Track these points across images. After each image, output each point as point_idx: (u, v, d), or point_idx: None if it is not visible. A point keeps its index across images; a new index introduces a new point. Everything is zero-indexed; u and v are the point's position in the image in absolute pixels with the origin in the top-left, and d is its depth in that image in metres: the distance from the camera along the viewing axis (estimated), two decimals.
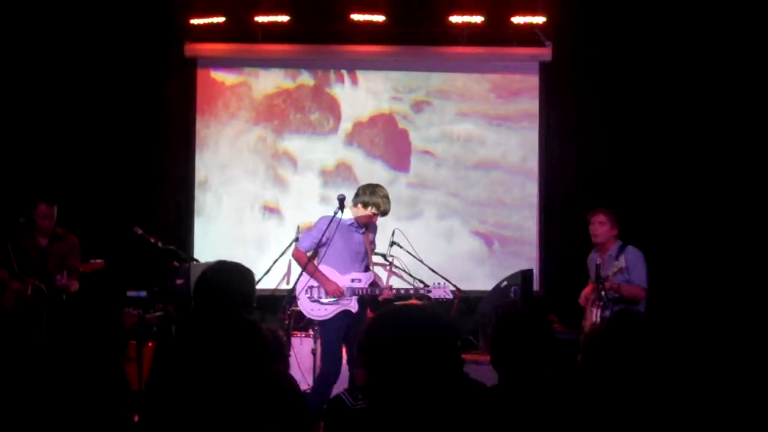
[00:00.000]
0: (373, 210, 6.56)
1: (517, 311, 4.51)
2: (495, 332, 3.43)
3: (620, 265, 6.58)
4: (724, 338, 7.57)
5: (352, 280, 6.65)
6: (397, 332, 2.39)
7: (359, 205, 6.60)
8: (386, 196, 6.61)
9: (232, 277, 3.68)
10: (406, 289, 6.90)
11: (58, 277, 7.26)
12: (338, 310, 6.57)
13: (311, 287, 6.60)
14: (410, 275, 7.25)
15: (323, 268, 6.60)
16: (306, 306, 6.63)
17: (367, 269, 6.79)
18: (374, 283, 6.72)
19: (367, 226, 6.69)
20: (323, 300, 6.60)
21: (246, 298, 3.66)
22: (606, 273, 6.60)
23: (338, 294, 6.56)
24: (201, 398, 2.25)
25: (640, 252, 6.84)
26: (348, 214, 6.61)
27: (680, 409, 2.83)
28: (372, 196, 6.58)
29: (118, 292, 7.98)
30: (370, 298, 6.68)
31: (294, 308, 7.00)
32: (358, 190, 6.70)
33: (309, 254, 6.66)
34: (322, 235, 6.56)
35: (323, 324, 6.62)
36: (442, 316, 2.51)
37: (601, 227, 6.94)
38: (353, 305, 6.60)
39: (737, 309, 8.06)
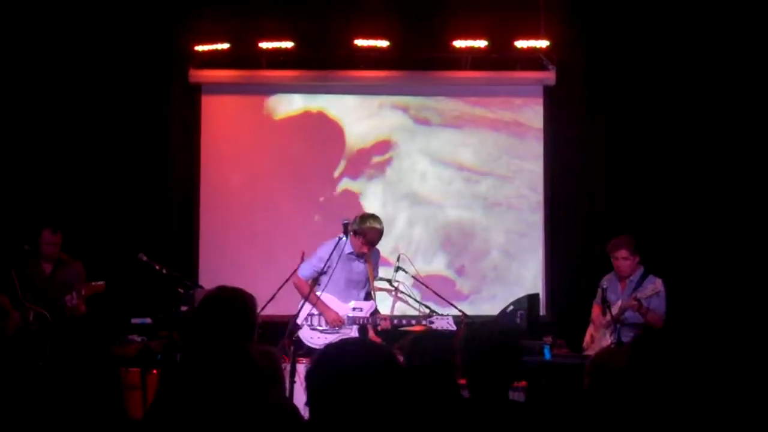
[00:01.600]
0: (361, 239, 6.51)
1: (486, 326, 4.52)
2: (462, 342, 3.44)
3: (657, 288, 6.54)
4: (734, 355, 7.51)
5: (354, 309, 6.62)
6: (337, 371, 2.35)
7: (351, 234, 6.56)
8: (374, 227, 6.50)
9: (232, 303, 3.65)
10: (408, 318, 6.77)
11: (68, 298, 7.24)
12: (338, 339, 6.49)
13: (311, 315, 6.55)
14: (416, 300, 7.19)
15: (324, 296, 6.56)
16: (305, 334, 6.57)
17: (368, 297, 6.75)
18: (375, 312, 6.66)
19: (364, 254, 6.64)
20: (322, 328, 6.56)
21: (247, 324, 3.63)
22: (640, 295, 6.57)
23: (339, 323, 6.55)
24: (198, 424, 2.24)
25: (661, 281, 6.81)
26: (348, 249, 6.59)
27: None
28: (360, 224, 6.51)
29: (121, 320, 7.97)
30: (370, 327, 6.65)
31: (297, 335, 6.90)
32: (354, 219, 6.63)
33: (309, 282, 6.62)
34: (324, 264, 6.53)
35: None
36: (386, 352, 2.47)
37: (624, 262, 6.89)
38: (353, 335, 6.55)
39: (749, 330, 8.01)
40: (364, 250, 6.57)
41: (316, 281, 6.58)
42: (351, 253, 6.59)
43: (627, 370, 2.90)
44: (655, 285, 6.61)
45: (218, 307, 3.61)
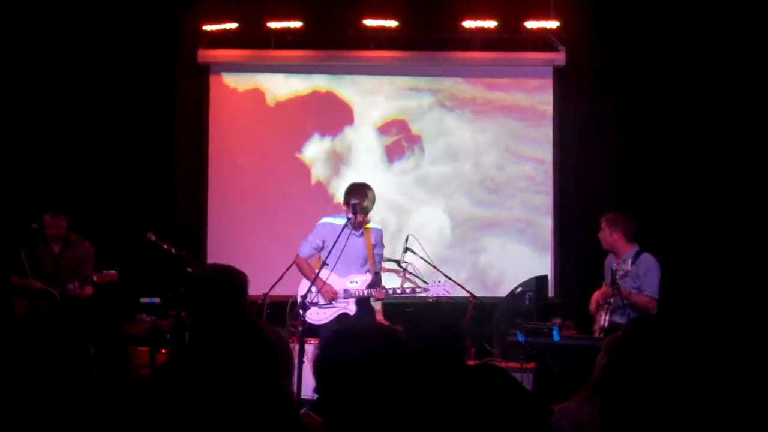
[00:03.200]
0: (350, 209, 6.49)
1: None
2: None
3: (626, 268, 6.52)
4: (742, 344, 7.50)
5: (350, 282, 6.62)
6: (348, 353, 2.34)
7: (344, 206, 6.60)
8: (353, 190, 6.55)
9: (219, 281, 3.64)
10: (402, 289, 6.85)
11: (69, 287, 7.28)
12: (336, 314, 6.59)
13: (310, 292, 6.51)
14: (424, 281, 7.18)
15: (324, 272, 6.52)
16: (305, 313, 6.50)
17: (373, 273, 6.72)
18: (372, 284, 6.65)
19: (362, 225, 6.62)
20: (320, 303, 6.56)
21: (235, 301, 3.61)
22: (619, 273, 6.53)
23: (331, 296, 6.55)
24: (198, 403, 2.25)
25: (654, 260, 6.75)
26: (342, 222, 6.55)
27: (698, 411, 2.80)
28: (348, 195, 6.57)
29: (130, 300, 7.98)
30: (365, 299, 6.67)
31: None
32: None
33: (310, 260, 6.67)
34: (320, 239, 6.61)
35: (320, 328, 6.58)
36: (396, 334, 2.47)
37: (601, 234, 6.92)
38: (350, 308, 6.61)
39: (756, 313, 7.99)
40: (359, 218, 6.52)
41: (324, 262, 6.55)
42: (352, 231, 6.56)
43: (621, 354, 2.92)
44: (625, 265, 6.55)
45: (205, 285, 3.61)
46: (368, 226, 6.74)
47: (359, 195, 6.54)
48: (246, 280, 3.72)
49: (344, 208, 6.60)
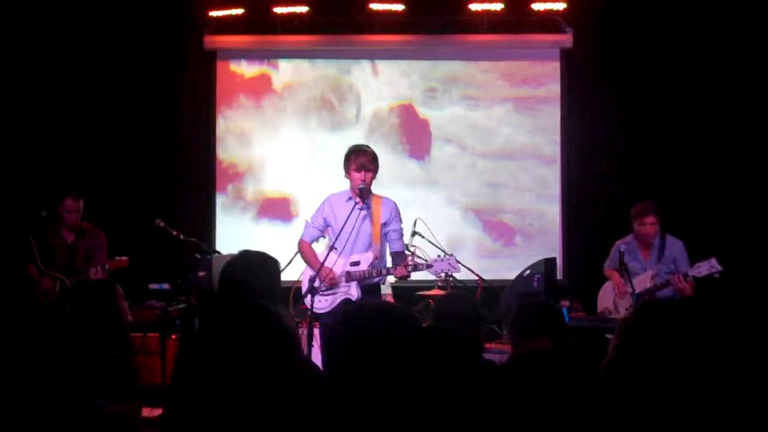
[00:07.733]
0: (353, 168, 6.08)
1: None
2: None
3: (716, 267, 6.36)
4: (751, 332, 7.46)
5: (351, 264, 6.10)
6: (360, 330, 2.34)
7: (346, 174, 6.18)
8: (358, 150, 6.15)
9: (255, 267, 3.65)
10: (418, 264, 6.23)
11: (92, 271, 7.21)
12: (338, 300, 6.09)
13: (313, 278, 6.10)
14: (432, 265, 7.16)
15: (330, 255, 6.04)
16: (310, 299, 6.08)
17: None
18: (374, 264, 6.09)
19: (363, 194, 6.11)
20: (322, 290, 6.08)
21: (269, 288, 3.62)
22: (693, 273, 6.42)
23: (330, 280, 6.04)
24: (224, 388, 2.25)
25: (681, 242, 6.83)
26: (346, 197, 6.22)
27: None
28: (346, 160, 6.15)
29: (139, 286, 7.99)
30: (369, 280, 6.12)
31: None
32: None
33: (314, 243, 6.32)
34: (323, 218, 6.23)
35: (324, 316, 6.09)
36: (408, 312, 2.46)
37: (651, 228, 6.82)
38: (353, 292, 6.08)
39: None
40: (363, 179, 6.09)
41: (332, 246, 6.26)
42: (349, 201, 6.17)
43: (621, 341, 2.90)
44: (710, 263, 6.35)
45: (240, 271, 3.61)
46: (377, 198, 6.25)
47: (361, 164, 6.08)
48: (278, 266, 3.74)
49: (349, 175, 6.16)
